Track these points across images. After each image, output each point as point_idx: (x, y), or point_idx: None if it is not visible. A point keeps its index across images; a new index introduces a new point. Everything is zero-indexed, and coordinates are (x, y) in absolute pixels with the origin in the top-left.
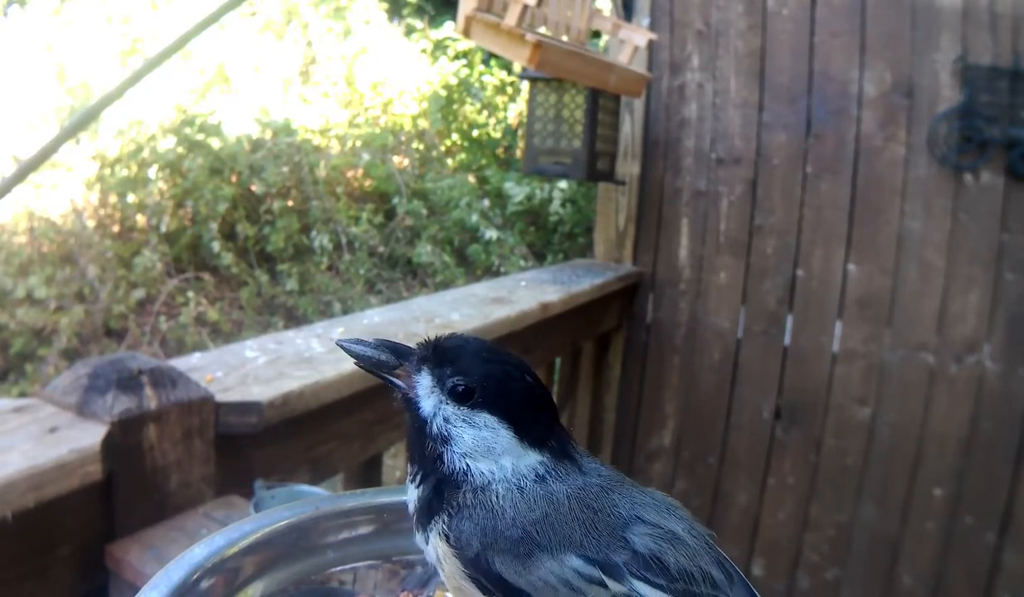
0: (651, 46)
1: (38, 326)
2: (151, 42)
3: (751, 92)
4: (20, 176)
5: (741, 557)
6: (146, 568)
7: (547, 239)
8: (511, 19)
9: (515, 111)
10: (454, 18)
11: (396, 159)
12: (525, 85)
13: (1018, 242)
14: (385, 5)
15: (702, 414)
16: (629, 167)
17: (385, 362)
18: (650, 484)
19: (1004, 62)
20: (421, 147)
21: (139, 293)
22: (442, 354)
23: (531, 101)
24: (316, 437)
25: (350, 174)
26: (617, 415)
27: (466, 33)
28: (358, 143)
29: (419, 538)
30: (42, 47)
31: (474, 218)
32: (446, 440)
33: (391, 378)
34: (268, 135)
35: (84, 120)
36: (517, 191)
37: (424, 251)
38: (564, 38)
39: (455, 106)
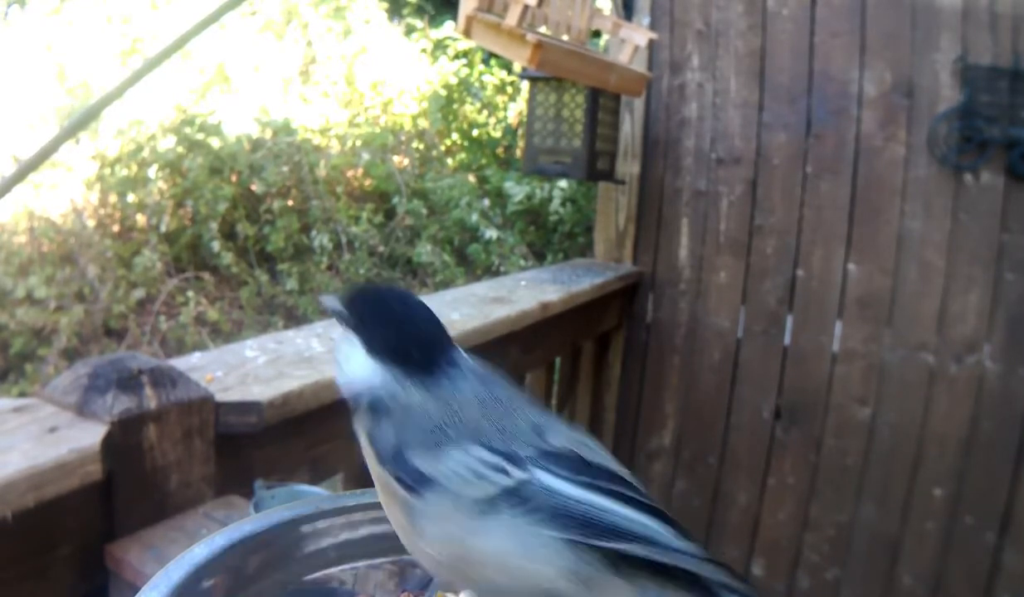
0: (651, 46)
1: (38, 326)
2: (151, 42)
3: (751, 92)
4: (20, 176)
5: (741, 557)
6: (146, 568)
7: (547, 239)
8: (512, 19)
9: (515, 111)
10: (454, 18)
11: (396, 159)
12: (525, 85)
13: (1018, 242)
14: (385, 5)
15: (702, 414)
16: (629, 167)
17: (340, 311)
18: (650, 484)
19: (1004, 62)
20: (421, 147)
21: (139, 293)
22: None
23: (531, 100)
24: (316, 437)
25: (350, 174)
26: (617, 415)
27: (467, 33)
28: (358, 143)
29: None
30: (42, 47)
31: (474, 218)
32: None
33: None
34: (268, 135)
35: (84, 120)
36: (517, 191)
37: (424, 251)
38: (564, 38)
39: (455, 106)
